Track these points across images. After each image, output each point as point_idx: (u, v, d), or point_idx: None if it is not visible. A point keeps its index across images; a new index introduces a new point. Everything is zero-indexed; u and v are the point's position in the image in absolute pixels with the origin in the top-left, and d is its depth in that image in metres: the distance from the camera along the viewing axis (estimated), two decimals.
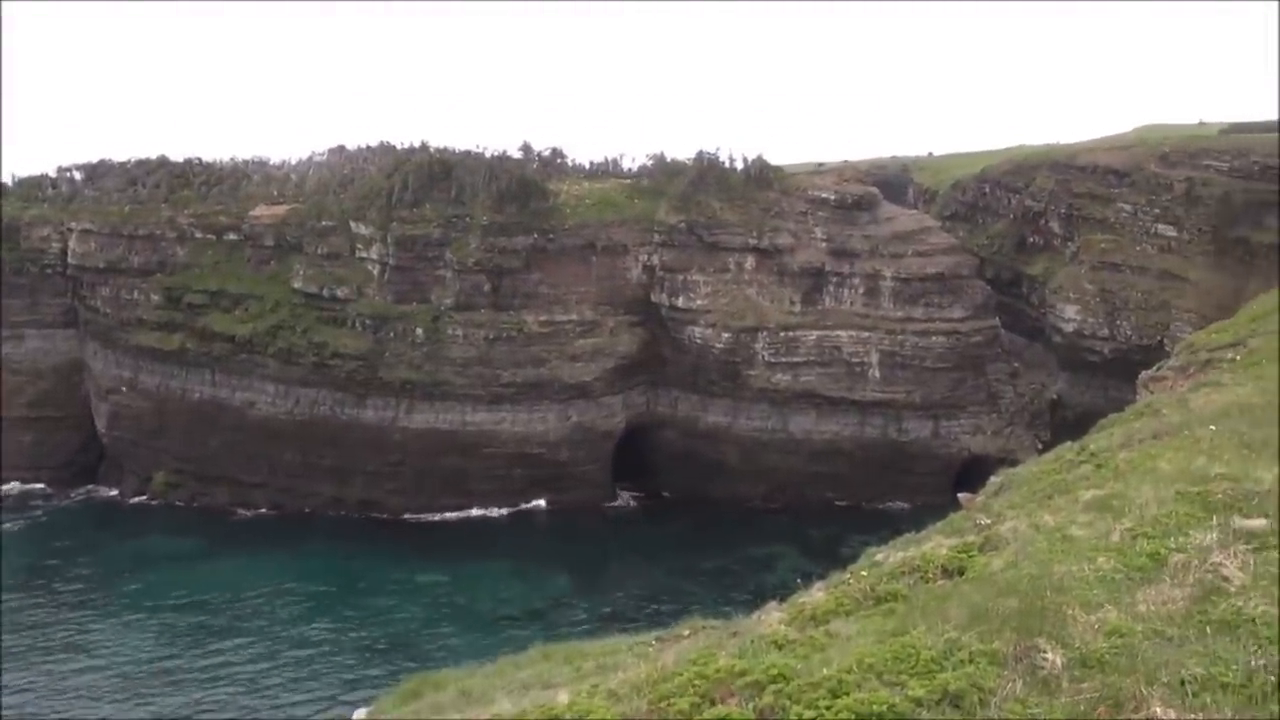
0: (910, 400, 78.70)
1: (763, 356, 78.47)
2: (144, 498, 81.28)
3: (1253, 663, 6.13)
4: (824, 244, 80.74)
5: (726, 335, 77.86)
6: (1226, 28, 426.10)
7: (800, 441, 79.09)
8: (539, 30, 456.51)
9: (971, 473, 65.93)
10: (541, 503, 77.38)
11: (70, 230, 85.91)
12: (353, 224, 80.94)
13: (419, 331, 77.93)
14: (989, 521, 12.24)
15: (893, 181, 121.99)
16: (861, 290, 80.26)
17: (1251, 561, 7.95)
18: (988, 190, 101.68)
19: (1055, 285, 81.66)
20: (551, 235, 79.45)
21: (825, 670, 6.82)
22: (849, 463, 78.35)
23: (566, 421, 78.22)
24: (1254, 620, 6.77)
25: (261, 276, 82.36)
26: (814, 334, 78.92)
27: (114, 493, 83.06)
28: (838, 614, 9.11)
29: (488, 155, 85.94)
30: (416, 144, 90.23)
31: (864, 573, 10.78)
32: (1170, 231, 77.13)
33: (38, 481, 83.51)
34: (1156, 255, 77.24)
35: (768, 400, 78.99)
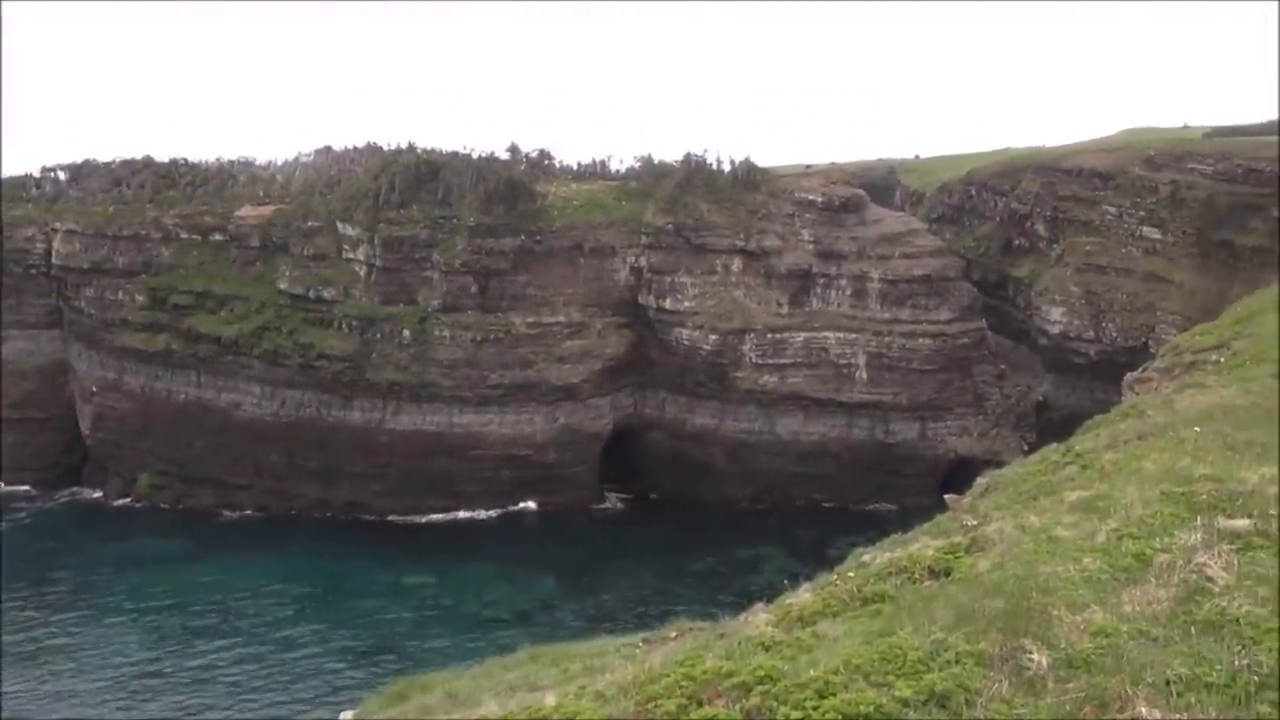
0: (897, 402, 78.91)
1: (750, 358, 78.56)
2: (128, 500, 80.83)
3: (1237, 663, 6.15)
4: (811, 246, 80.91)
5: (714, 337, 77.92)
6: (1212, 31, 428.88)
7: (787, 443, 79.20)
8: (527, 31, 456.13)
9: (958, 474, 66.16)
10: (531, 505, 77.33)
11: (55, 231, 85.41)
12: (339, 225, 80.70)
13: (406, 333, 77.73)
14: (975, 523, 12.27)
15: (880, 184, 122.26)
16: (848, 292, 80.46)
17: (1235, 562, 7.99)
18: (974, 193, 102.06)
19: (1041, 287, 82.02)
20: (539, 237, 79.37)
21: (812, 671, 6.82)
22: (836, 464, 78.50)
23: (554, 423, 78.14)
24: (1238, 620, 6.80)
25: (247, 277, 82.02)
26: (801, 336, 79.06)
27: (98, 495, 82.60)
28: (825, 615, 9.12)
29: (475, 156, 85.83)
30: (404, 145, 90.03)
31: (851, 574, 10.80)
32: (1155, 234, 77.56)
33: (21, 484, 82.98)
34: (1141, 258, 77.66)
35: (755, 402, 79.08)
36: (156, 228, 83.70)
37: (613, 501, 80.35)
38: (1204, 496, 10.24)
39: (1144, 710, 5.77)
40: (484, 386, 77.46)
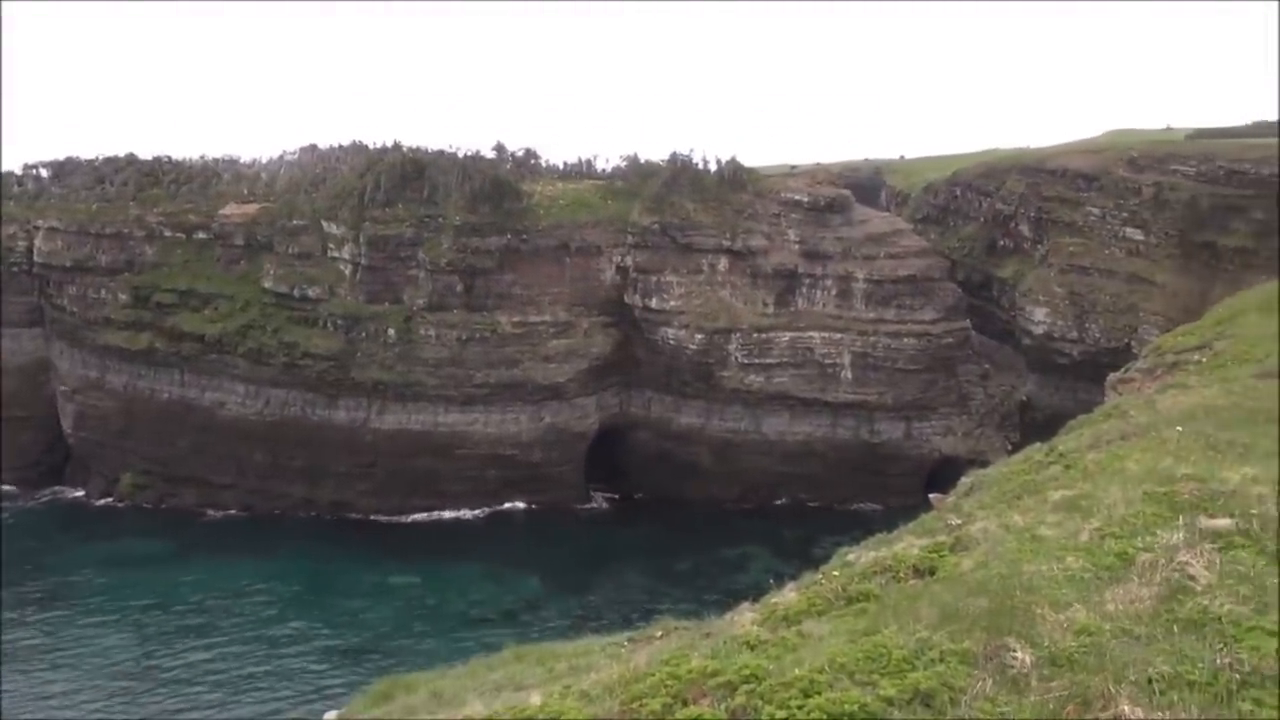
0: (882, 401, 79.11)
1: (736, 358, 78.63)
2: (111, 499, 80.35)
3: (1218, 661, 6.18)
4: (797, 246, 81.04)
5: (700, 336, 77.96)
6: (1195, 34, 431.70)
7: (773, 443, 79.31)
8: (513, 31, 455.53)
9: (943, 473, 66.38)
10: (518, 504, 77.19)
11: (37, 228, 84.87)
12: (324, 223, 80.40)
13: (391, 332, 77.48)
14: (960, 522, 12.30)
15: (865, 184, 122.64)
16: (834, 292, 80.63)
17: (1217, 561, 8.03)
18: (959, 193, 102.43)
19: (1025, 288, 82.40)
20: (525, 236, 79.23)
21: (797, 670, 6.82)
22: (821, 464, 78.65)
23: (540, 422, 78.03)
24: (1220, 619, 6.84)
25: (231, 276, 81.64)
26: (787, 335, 79.18)
27: (80, 494, 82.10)
28: (810, 614, 9.13)
29: (461, 155, 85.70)
30: (389, 143, 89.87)
31: (836, 573, 10.80)
32: (1138, 235, 77.99)
33: (2, 483, 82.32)
34: (1124, 258, 78.09)
35: (741, 401, 79.16)
36: (140, 226, 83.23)
37: (599, 501, 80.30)
38: (1186, 496, 10.29)
39: (1126, 708, 5.79)
40: (469, 386, 77.29)
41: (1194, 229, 74.78)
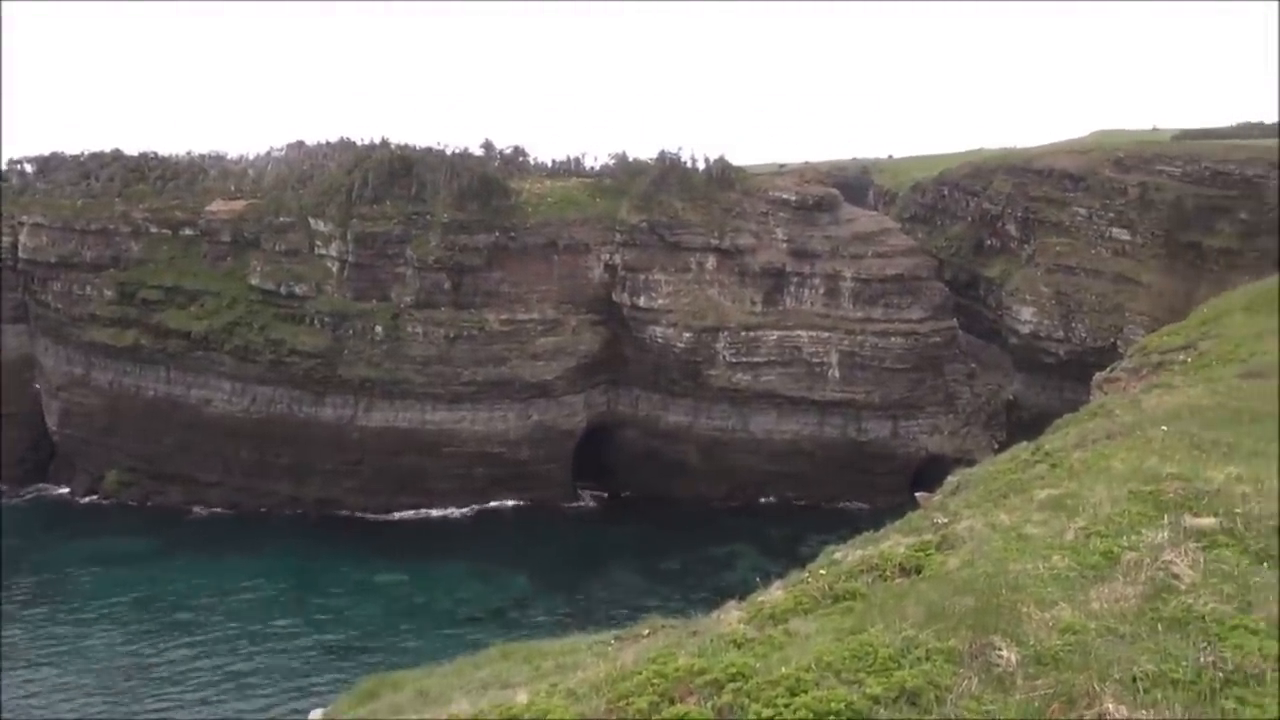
0: (869, 400, 79.28)
1: (724, 356, 78.69)
2: (96, 497, 79.94)
3: (1202, 659, 6.21)
4: (785, 244, 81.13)
5: (688, 335, 77.99)
6: (1181, 34, 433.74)
7: (761, 441, 79.41)
8: (502, 29, 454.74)
9: (929, 472, 66.54)
10: (506, 502, 77.08)
11: (21, 224, 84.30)
12: (312, 220, 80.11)
13: (378, 329, 77.28)
14: (946, 520, 12.34)
15: (853, 183, 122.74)
16: (822, 291, 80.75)
17: (1201, 560, 8.06)
18: (946, 193, 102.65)
19: (1012, 287, 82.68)
20: (513, 233, 79.12)
21: (784, 668, 6.82)
22: (809, 462, 78.78)
23: (527, 420, 77.94)
24: (1204, 617, 6.86)
25: (218, 272, 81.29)
26: (774, 334, 79.28)
27: (65, 491, 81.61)
28: (796, 612, 9.13)
29: (449, 152, 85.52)
30: (377, 140, 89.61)
31: (823, 571, 10.81)
32: (1124, 235, 78.36)
33: None
34: (1110, 258, 78.44)
35: (728, 400, 79.23)
36: (125, 222, 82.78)
37: (586, 499, 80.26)
38: (1171, 495, 10.33)
39: (1111, 707, 5.81)
40: (457, 383, 77.15)
41: (1179, 229, 75.19)
